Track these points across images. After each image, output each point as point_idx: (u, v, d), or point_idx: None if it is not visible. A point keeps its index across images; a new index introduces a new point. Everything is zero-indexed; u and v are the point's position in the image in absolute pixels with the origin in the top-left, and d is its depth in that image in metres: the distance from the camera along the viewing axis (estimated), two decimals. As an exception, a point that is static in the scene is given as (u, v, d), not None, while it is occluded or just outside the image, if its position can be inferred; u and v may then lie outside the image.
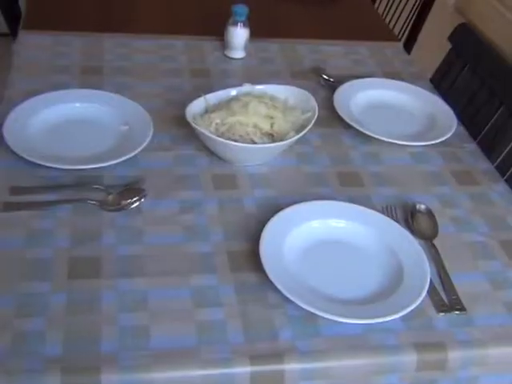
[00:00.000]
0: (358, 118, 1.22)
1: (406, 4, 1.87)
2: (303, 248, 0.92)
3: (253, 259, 0.88)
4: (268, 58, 1.43)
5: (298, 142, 1.08)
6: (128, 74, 1.29)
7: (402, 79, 1.38)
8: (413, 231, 0.98)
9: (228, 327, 0.80)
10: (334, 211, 0.98)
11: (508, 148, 1.22)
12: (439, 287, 0.90)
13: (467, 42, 1.40)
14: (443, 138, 1.19)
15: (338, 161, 1.13)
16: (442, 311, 0.86)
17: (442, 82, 1.42)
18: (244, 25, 1.37)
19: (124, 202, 0.93)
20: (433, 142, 1.18)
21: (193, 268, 0.87)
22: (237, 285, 0.86)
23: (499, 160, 1.22)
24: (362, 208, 0.99)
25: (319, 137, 1.18)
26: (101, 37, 1.40)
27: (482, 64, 1.35)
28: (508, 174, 1.19)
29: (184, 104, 1.09)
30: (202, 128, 1.03)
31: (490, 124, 1.28)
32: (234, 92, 1.14)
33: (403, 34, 1.84)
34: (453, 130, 1.21)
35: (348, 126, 1.19)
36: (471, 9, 3.64)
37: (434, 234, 0.99)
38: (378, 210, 1.01)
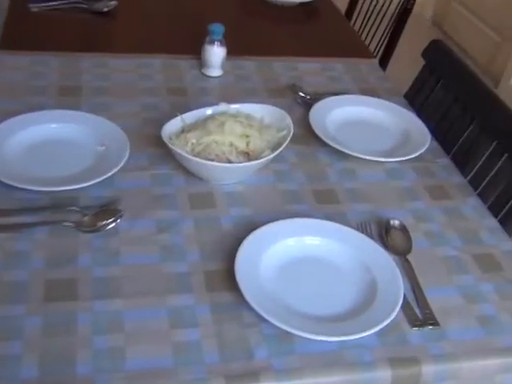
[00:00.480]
0: (334, 134, 1.24)
1: (381, 20, 1.90)
2: (279, 266, 0.93)
3: (229, 278, 0.89)
4: (245, 75, 1.44)
5: (274, 159, 1.09)
6: (106, 94, 1.29)
7: (378, 96, 1.40)
8: (387, 247, 0.99)
9: (204, 347, 0.80)
10: (309, 229, 0.99)
11: (480, 162, 1.24)
12: (413, 302, 0.92)
13: (440, 58, 1.43)
14: (417, 154, 1.21)
15: (314, 178, 1.15)
16: (416, 326, 0.88)
17: (416, 98, 1.44)
18: (221, 43, 1.38)
19: (100, 223, 0.94)
20: (407, 158, 1.20)
21: (169, 288, 0.88)
22: (213, 304, 0.86)
23: (472, 174, 1.24)
24: (337, 225, 1.00)
25: (295, 154, 1.19)
26: (78, 57, 1.41)
27: (455, 80, 1.38)
28: (480, 188, 1.21)
29: (161, 123, 1.10)
30: (177, 148, 1.04)
31: (462, 139, 1.30)
32: (210, 111, 1.15)
33: (379, 50, 1.87)
34: (426, 146, 1.23)
35: (324, 143, 1.21)
36: (448, 22, 3.71)
37: (408, 249, 1.00)
38: (353, 227, 1.02)
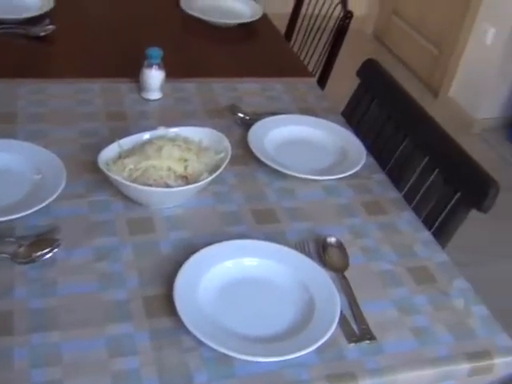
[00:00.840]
0: (273, 154, 1.26)
1: (319, 40, 1.95)
2: (218, 288, 0.94)
3: (168, 303, 0.90)
4: (184, 97, 1.46)
5: (213, 181, 1.10)
6: (42, 121, 1.28)
7: (316, 115, 1.44)
8: (325, 264, 1.02)
9: (143, 375, 0.80)
10: (247, 250, 1.00)
11: (414, 177, 1.29)
12: (351, 318, 0.94)
13: (374, 77, 1.48)
14: (353, 171, 1.24)
15: (253, 198, 1.17)
16: (353, 341, 0.90)
17: (352, 116, 1.48)
18: (159, 67, 1.39)
19: (35, 254, 0.93)
20: (344, 175, 1.23)
21: (108, 316, 0.88)
22: (152, 331, 0.87)
23: (406, 189, 1.28)
24: (275, 245, 1.02)
25: (235, 175, 1.21)
26: (15, 83, 1.39)
27: (388, 99, 1.43)
28: (414, 202, 1.25)
29: (99, 148, 1.10)
30: (114, 174, 1.04)
31: (397, 155, 1.35)
32: (147, 136, 1.16)
33: (318, 68, 1.92)
34: (362, 163, 1.26)
35: (263, 164, 1.23)
36: (389, 36, 3.83)
37: (345, 265, 1.03)
38: (292, 246, 1.04)
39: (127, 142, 1.14)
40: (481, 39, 2.98)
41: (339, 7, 1.87)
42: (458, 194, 1.18)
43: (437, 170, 1.24)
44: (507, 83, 2.96)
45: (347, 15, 1.76)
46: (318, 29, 1.90)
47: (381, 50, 3.82)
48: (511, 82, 2.96)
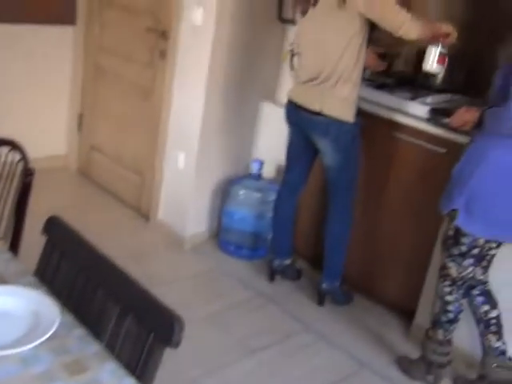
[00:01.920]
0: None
1: (5, 202, 1.91)
2: None
3: None
4: None
5: None
6: None
7: (5, 281, 1.40)
8: None
9: None
10: None
11: (111, 326, 1.33)
12: None
13: (59, 233, 1.52)
14: (49, 333, 1.24)
15: None
16: None
17: (44, 275, 1.49)
18: None
19: None
20: (40, 340, 1.22)
21: None
22: None
23: (107, 339, 1.32)
24: None
25: None
26: None
27: (76, 252, 1.47)
28: (116, 349, 1.29)
29: None
30: None
31: (93, 307, 1.38)
32: None
33: (8, 231, 1.88)
34: (57, 323, 1.26)
35: None
36: (93, 170, 3.96)
37: None
38: None
39: None
40: (175, 164, 3.28)
41: (21, 165, 1.89)
42: (152, 335, 1.25)
43: (130, 316, 1.30)
44: (203, 200, 3.29)
45: (28, 172, 1.79)
46: (3, 191, 1.89)
47: (87, 184, 3.92)
48: (207, 198, 3.30)
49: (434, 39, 2.40)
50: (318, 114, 2.52)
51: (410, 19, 2.30)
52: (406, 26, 2.30)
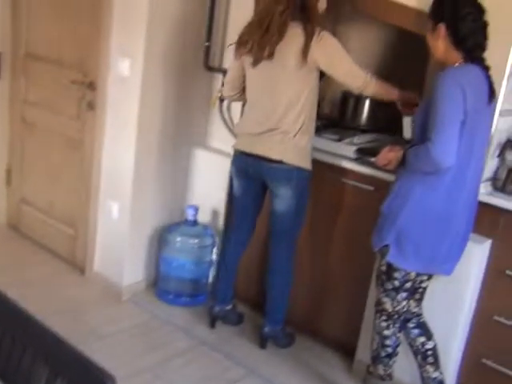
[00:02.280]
0: None
1: None
2: None
3: None
4: None
5: None
6: None
7: None
8: None
9: None
10: None
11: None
12: None
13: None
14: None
15: None
16: None
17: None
18: None
19: None
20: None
21: None
22: None
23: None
24: None
25: None
26: None
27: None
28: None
29: None
30: None
31: (21, 369, 1.33)
32: None
33: None
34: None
35: None
36: (23, 224, 3.84)
37: None
38: None
39: None
40: (108, 214, 3.23)
41: None
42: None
43: (60, 378, 1.26)
44: (139, 249, 3.24)
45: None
46: None
47: (18, 238, 3.81)
48: (143, 247, 3.25)
49: (405, 110, 2.51)
50: (279, 162, 2.55)
51: (370, 78, 2.47)
52: (365, 85, 2.47)
